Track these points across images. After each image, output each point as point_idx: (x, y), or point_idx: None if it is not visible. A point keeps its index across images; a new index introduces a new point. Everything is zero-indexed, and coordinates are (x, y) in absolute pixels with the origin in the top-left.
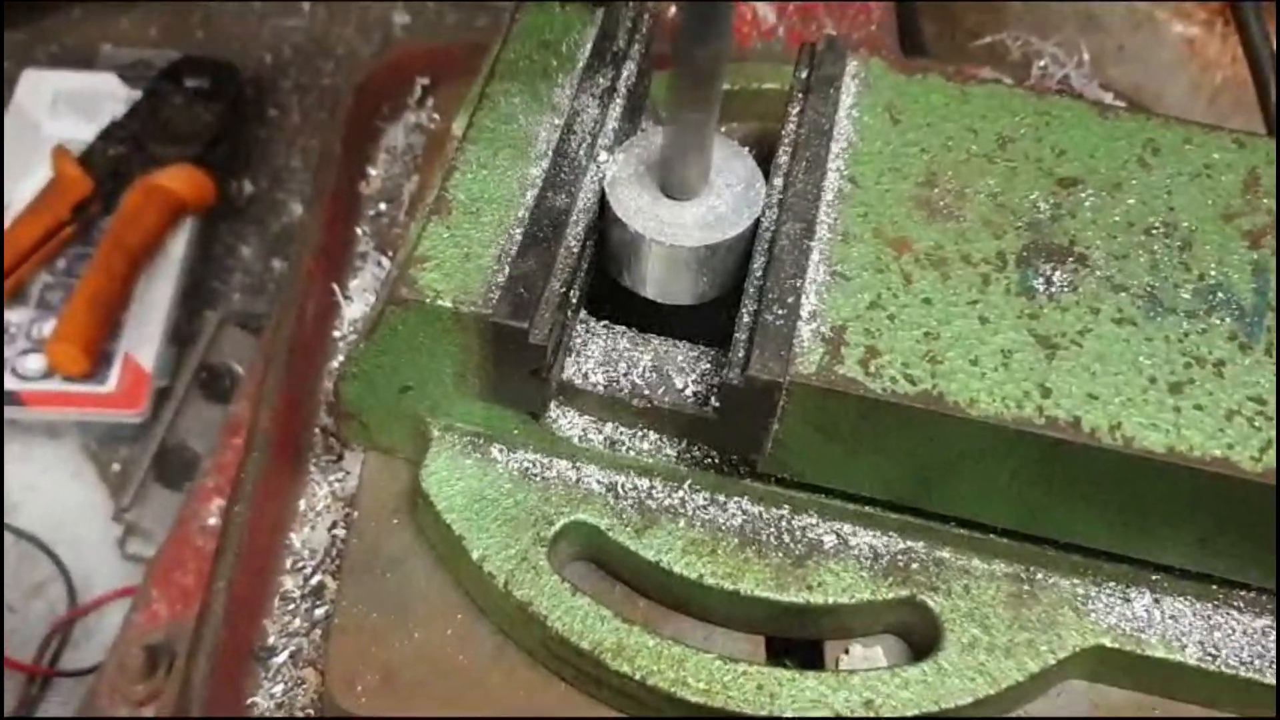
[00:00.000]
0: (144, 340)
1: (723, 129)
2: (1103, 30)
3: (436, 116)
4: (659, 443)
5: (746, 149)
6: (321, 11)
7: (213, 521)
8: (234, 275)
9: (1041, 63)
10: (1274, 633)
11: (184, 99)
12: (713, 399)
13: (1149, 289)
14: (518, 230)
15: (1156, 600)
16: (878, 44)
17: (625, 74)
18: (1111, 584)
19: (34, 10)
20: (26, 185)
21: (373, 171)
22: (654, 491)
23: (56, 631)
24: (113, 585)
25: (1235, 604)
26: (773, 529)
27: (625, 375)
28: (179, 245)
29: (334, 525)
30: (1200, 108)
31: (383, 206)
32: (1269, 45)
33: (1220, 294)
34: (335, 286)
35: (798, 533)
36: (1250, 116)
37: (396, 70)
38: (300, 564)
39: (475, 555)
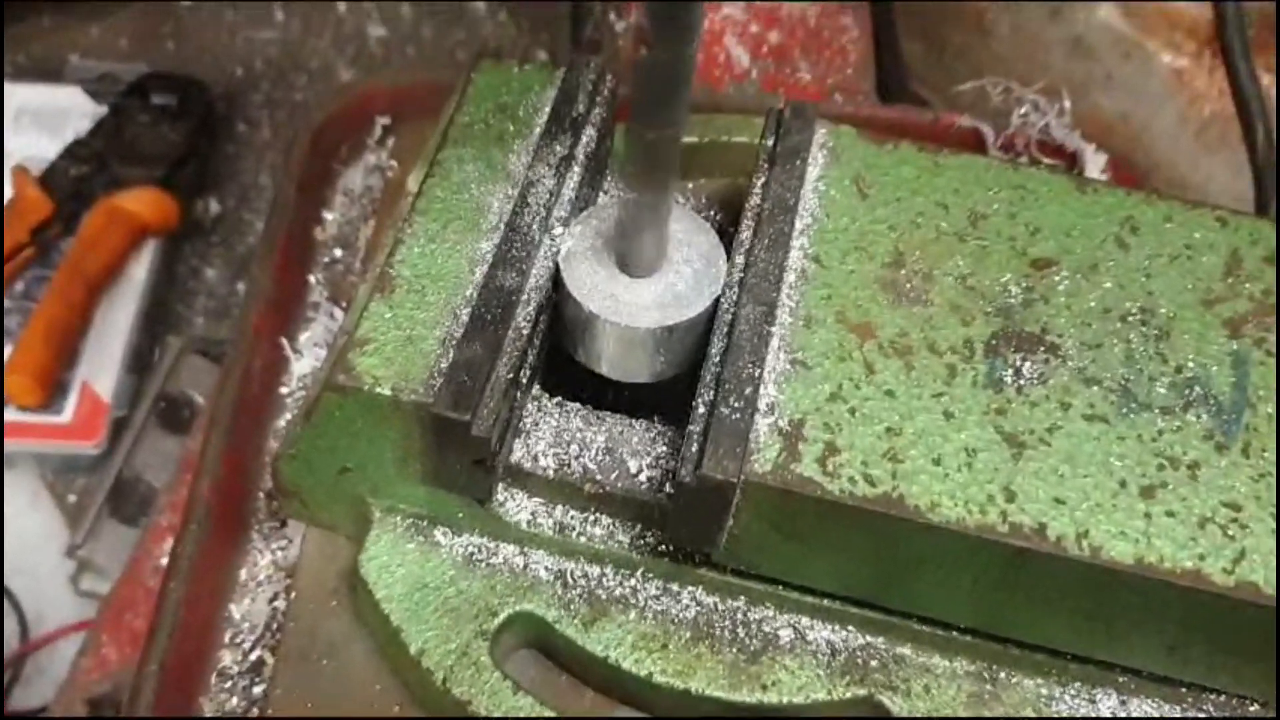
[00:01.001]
0: (102, 369)
1: (690, 185)
2: (1091, 58)
3: (394, 164)
4: (611, 528)
5: (711, 213)
6: (296, 24)
7: (165, 562)
8: (198, 298)
9: (1022, 110)
10: None
11: (150, 117)
12: (667, 486)
13: (1123, 382)
14: (465, 310)
15: (1123, 702)
16: (854, 88)
17: (585, 140)
18: (1077, 684)
19: (3, 19)
20: None
21: (328, 216)
22: (605, 580)
23: (8, 667)
24: (66, 620)
25: (1205, 708)
26: (727, 621)
27: (577, 458)
28: (140, 268)
29: (275, 597)
30: (1187, 140)
31: (338, 253)
32: (1255, 83)
33: (1197, 388)
34: (285, 344)
35: (753, 626)
36: (1237, 151)
37: (356, 111)
38: (240, 638)
39: (414, 649)
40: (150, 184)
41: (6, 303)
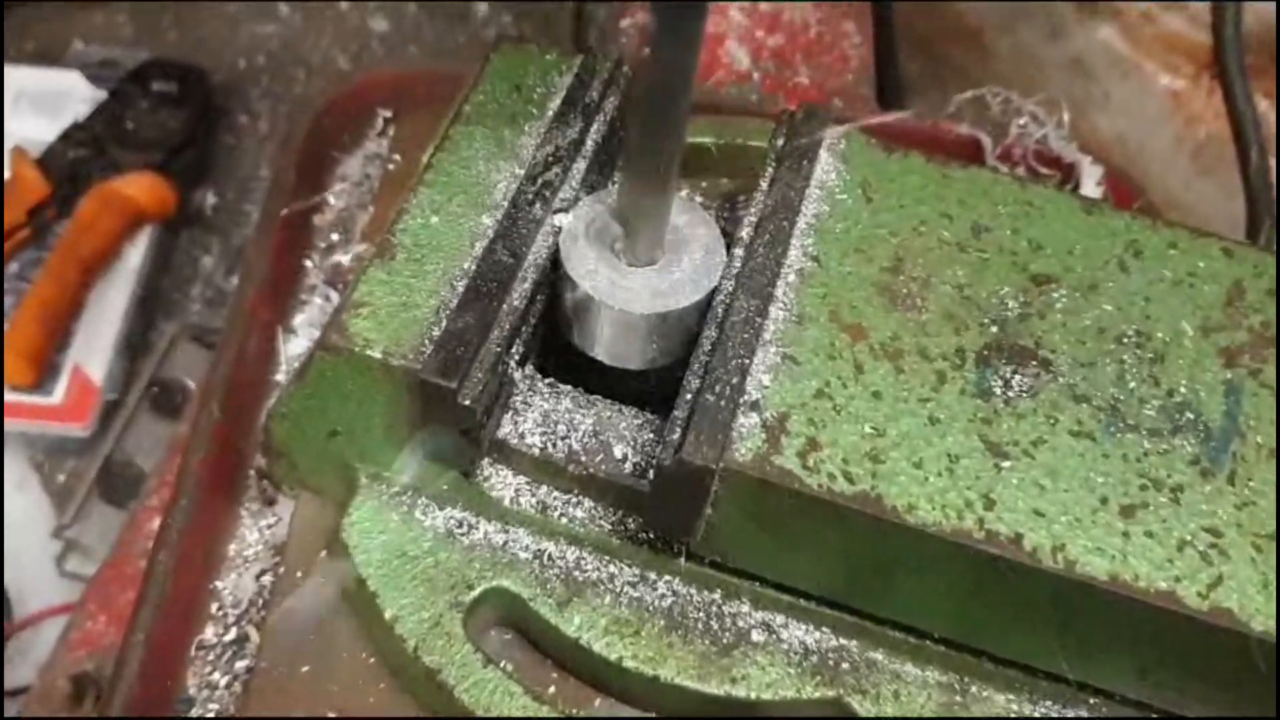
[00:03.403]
0: (94, 352)
1: (704, 184)
2: (1089, 77)
3: (397, 158)
4: (593, 512)
5: (720, 212)
6: (298, 18)
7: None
8: (193, 286)
9: (1021, 120)
10: None
11: (150, 103)
12: (650, 473)
13: (1113, 402)
14: (461, 282)
15: None
16: (854, 94)
17: (596, 127)
18: (1047, 702)
19: (5, 4)
20: None
21: (330, 200)
22: (583, 563)
23: None
24: (51, 602)
25: None
26: (702, 613)
27: (564, 439)
28: (136, 254)
29: (262, 573)
30: (1183, 162)
31: (335, 238)
32: (1251, 105)
33: (1188, 414)
34: (278, 330)
35: (727, 619)
36: (1231, 174)
37: (359, 98)
38: (225, 612)
39: (388, 615)
40: (148, 169)
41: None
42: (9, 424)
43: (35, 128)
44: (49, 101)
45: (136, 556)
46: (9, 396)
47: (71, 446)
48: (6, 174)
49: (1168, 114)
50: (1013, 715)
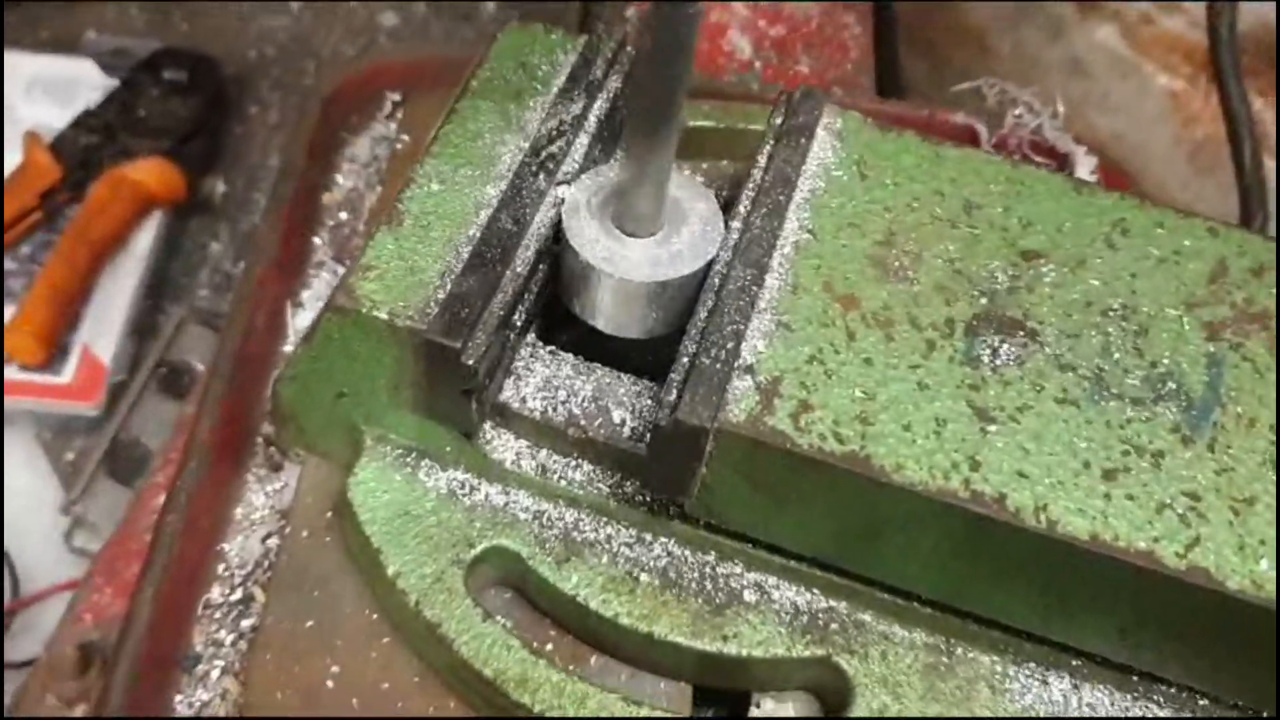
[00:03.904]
0: (103, 333)
1: (704, 165)
2: (1088, 77)
3: (405, 138)
4: (591, 475)
5: (717, 189)
6: (308, 13)
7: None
8: (201, 272)
9: (1017, 111)
10: None
11: (161, 91)
12: (648, 437)
13: (1097, 371)
14: (466, 249)
15: (1075, 686)
16: (853, 84)
17: (598, 104)
18: (1031, 664)
19: None
20: None
21: (340, 179)
22: (581, 524)
23: None
24: (57, 578)
25: (1155, 698)
26: (696, 574)
27: (564, 403)
28: (146, 239)
29: (268, 535)
30: (1180, 161)
31: (343, 216)
32: (1245, 102)
33: (1170, 384)
34: (286, 303)
35: (720, 580)
36: (1227, 173)
37: (369, 83)
38: (231, 573)
39: (391, 570)
40: (158, 155)
41: (11, 264)
42: (20, 403)
43: (48, 114)
44: (62, 88)
45: (143, 532)
46: (20, 376)
47: (79, 425)
48: (20, 158)
49: (1166, 114)
50: (996, 674)
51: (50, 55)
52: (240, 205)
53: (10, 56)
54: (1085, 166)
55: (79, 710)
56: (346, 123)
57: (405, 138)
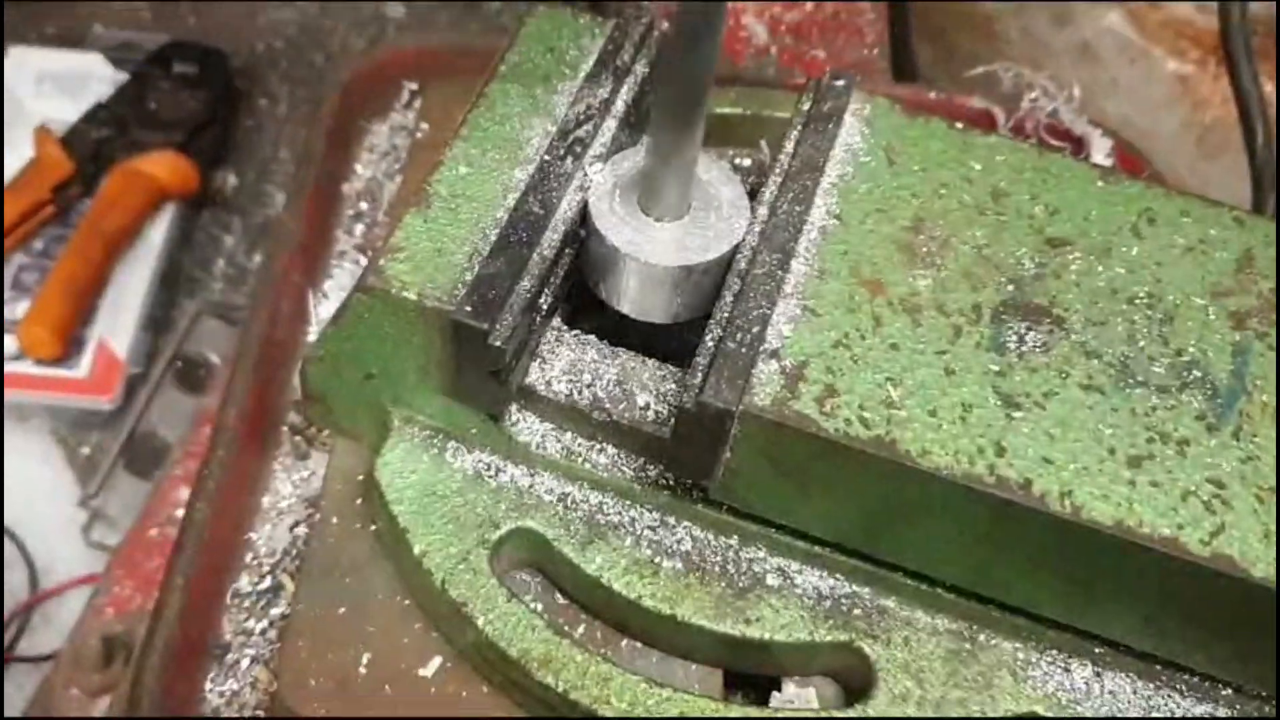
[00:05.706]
0: (119, 327)
1: (731, 153)
2: (1097, 63)
3: (425, 127)
4: (616, 458)
5: (744, 174)
6: (315, 6)
7: (180, 512)
8: (215, 265)
9: (1032, 95)
10: None
11: (171, 84)
12: (672, 421)
13: (1123, 358)
14: (494, 231)
15: (1098, 674)
16: (871, 68)
17: (626, 88)
18: (1054, 652)
19: None
20: (7, 164)
21: (359, 169)
22: (605, 507)
23: (15, 617)
24: (75, 572)
25: (1178, 687)
26: (719, 557)
27: (589, 386)
28: (159, 232)
29: (296, 524)
30: (1189, 146)
31: (364, 206)
32: (1257, 83)
33: (1195, 372)
34: (309, 291)
35: (744, 564)
36: (1238, 157)
37: (385, 70)
38: (259, 562)
39: (417, 550)
40: (170, 148)
41: (25, 259)
42: (36, 397)
43: (59, 108)
44: (72, 83)
45: (162, 525)
46: (36, 370)
47: (95, 420)
48: (31, 153)
49: (1175, 98)
50: (1019, 661)
51: (59, 50)
52: (252, 197)
53: (18, 52)
54: (1101, 149)
55: (102, 702)
56: (364, 111)
57: (425, 126)
